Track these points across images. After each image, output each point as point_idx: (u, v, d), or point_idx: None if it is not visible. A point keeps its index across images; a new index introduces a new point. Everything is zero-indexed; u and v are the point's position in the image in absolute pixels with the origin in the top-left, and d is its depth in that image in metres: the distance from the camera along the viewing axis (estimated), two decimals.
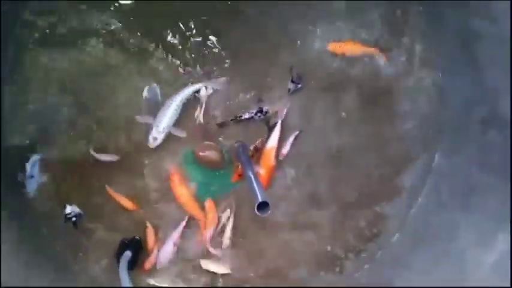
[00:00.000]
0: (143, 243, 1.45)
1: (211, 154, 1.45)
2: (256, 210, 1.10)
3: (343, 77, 1.48)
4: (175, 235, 1.45)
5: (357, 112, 1.49)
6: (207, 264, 1.47)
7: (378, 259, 1.52)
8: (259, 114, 1.44)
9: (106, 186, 1.44)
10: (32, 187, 1.42)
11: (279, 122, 1.45)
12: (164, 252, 1.44)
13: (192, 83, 1.45)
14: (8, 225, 1.29)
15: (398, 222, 1.52)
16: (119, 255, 1.38)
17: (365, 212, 1.53)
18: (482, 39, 1.24)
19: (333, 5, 1.46)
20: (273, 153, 1.44)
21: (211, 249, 1.46)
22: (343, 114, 1.49)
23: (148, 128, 1.43)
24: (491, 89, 1.25)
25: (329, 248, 1.52)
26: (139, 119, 1.43)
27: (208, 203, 1.46)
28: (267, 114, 1.45)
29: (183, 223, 1.46)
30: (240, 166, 1.41)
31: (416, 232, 1.48)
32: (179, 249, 1.47)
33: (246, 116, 1.44)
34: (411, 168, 1.51)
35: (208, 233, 1.45)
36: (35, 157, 1.42)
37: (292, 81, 1.44)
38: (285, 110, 1.46)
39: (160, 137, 1.41)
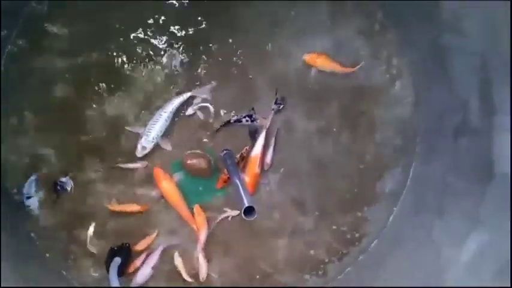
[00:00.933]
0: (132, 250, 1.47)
1: (198, 162, 1.49)
2: (242, 214, 1.15)
3: (324, 88, 1.54)
4: (153, 259, 1.47)
5: (337, 121, 1.55)
6: (179, 262, 1.49)
7: (359, 262, 1.58)
8: (247, 119, 1.50)
9: (108, 205, 1.48)
10: (34, 205, 1.45)
11: (264, 131, 1.50)
12: (141, 274, 1.46)
13: (180, 93, 1.49)
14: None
15: (379, 226, 1.58)
16: (108, 261, 1.40)
17: (347, 216, 1.57)
18: (453, 53, 1.32)
19: (316, 18, 1.53)
20: (257, 161, 1.49)
21: (201, 256, 1.49)
22: (334, 129, 1.55)
23: (138, 137, 1.47)
24: (462, 100, 1.32)
25: (312, 252, 1.56)
26: (129, 129, 1.47)
27: (196, 209, 1.49)
28: (254, 121, 1.50)
29: (160, 249, 1.48)
30: (226, 173, 1.46)
31: (396, 235, 1.55)
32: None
33: (235, 118, 1.50)
34: (390, 174, 1.58)
35: (201, 236, 1.48)
36: (32, 178, 1.45)
37: (276, 103, 1.51)
38: (269, 120, 1.51)
39: (149, 147, 1.45)
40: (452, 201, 1.36)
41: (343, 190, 1.57)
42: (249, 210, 1.15)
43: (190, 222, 1.49)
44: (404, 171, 1.58)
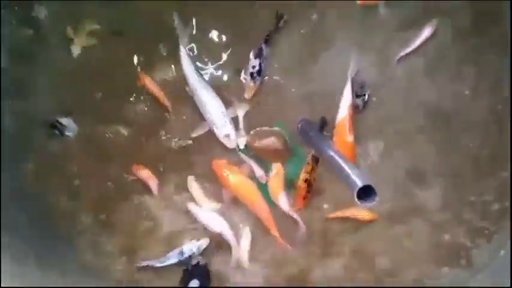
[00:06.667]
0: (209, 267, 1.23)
1: (271, 142, 1.20)
2: (356, 199, 0.78)
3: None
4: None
5: (452, 53, 1.27)
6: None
7: None
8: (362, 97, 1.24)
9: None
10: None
11: (349, 85, 1.19)
12: None
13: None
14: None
15: None
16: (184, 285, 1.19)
17: (487, 181, 1.26)
18: None
19: None
20: (346, 125, 1.17)
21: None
22: (449, 65, 1.27)
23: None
24: None
25: (447, 236, 1.27)
26: (195, 133, 1.26)
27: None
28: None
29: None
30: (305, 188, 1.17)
31: None
32: None
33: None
34: None
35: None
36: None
37: (357, 96, 1.24)
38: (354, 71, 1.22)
39: (229, 129, 1.21)
40: None
41: (474, 146, 1.26)
42: (364, 192, 0.78)
43: (270, 226, 1.19)
44: None
